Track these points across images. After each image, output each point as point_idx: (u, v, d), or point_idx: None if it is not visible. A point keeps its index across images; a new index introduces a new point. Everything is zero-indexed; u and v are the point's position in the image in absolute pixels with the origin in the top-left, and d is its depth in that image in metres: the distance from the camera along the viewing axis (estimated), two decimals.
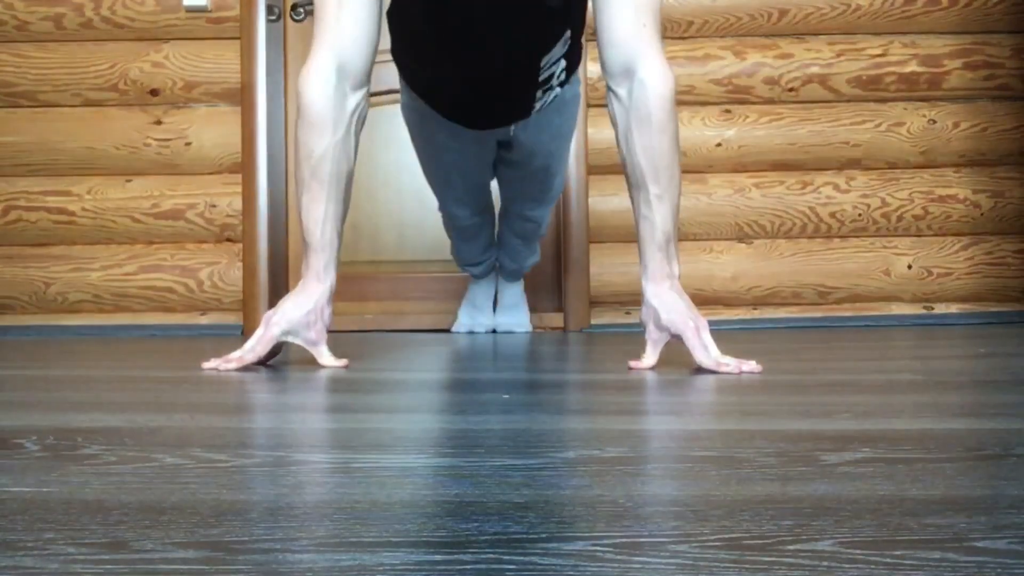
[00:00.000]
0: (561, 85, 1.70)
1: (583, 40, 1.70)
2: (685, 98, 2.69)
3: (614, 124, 1.39)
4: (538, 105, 1.70)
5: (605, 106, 1.43)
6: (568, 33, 1.56)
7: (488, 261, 2.34)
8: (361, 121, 1.42)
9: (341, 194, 1.39)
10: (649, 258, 1.34)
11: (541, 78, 1.63)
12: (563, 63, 1.64)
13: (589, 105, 2.66)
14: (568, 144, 1.94)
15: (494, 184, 2.09)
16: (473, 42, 1.52)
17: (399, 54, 1.67)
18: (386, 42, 1.60)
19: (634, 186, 1.36)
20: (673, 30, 2.70)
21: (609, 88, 1.38)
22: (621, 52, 1.34)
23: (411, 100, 1.78)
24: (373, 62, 1.41)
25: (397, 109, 1.99)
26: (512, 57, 1.56)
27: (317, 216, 1.37)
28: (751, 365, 1.26)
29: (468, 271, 2.39)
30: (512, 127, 1.76)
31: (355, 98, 1.39)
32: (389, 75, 2.16)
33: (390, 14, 1.52)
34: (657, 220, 1.33)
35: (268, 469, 0.61)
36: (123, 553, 0.42)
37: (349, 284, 2.73)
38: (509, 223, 2.16)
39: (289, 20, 2.82)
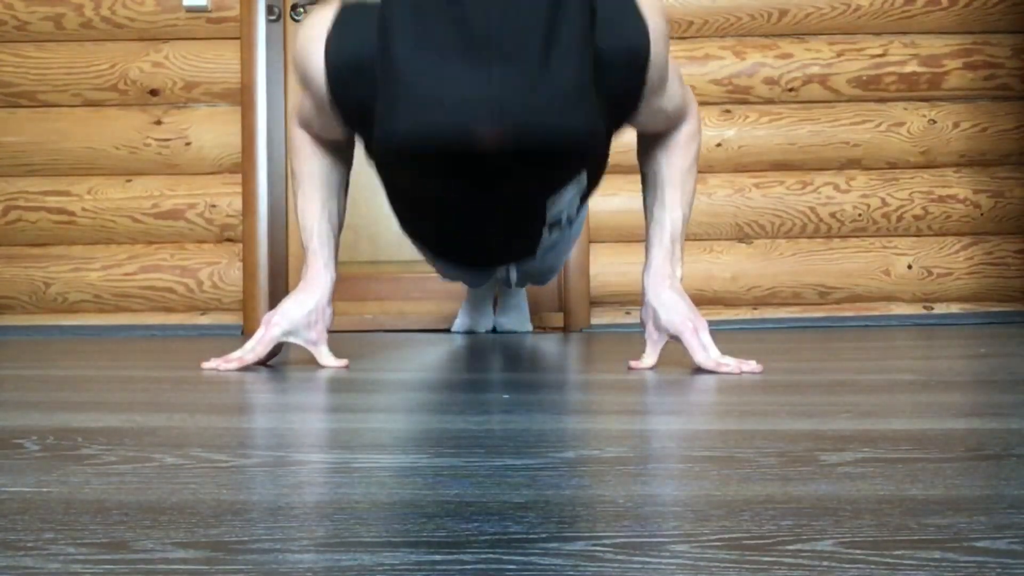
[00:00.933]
0: (570, 223, 1.61)
1: (600, 172, 1.54)
2: None
3: (640, 137, 1.41)
4: (544, 244, 1.61)
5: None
6: (584, 174, 1.44)
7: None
8: (351, 153, 1.45)
9: (339, 194, 1.41)
10: (653, 257, 1.35)
11: (550, 220, 1.51)
12: (577, 201, 1.54)
13: None
14: (573, 248, 1.93)
15: None
16: (475, 190, 1.22)
17: (387, 191, 1.51)
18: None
19: (650, 190, 1.39)
20: (673, 30, 2.70)
21: None
22: (662, 129, 1.36)
23: (406, 230, 1.66)
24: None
25: None
26: (515, 200, 1.37)
27: (316, 216, 1.38)
28: (751, 365, 1.26)
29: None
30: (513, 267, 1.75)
31: (342, 140, 1.41)
32: None
33: (378, 167, 1.38)
34: (667, 223, 1.35)
35: (268, 469, 0.61)
36: (123, 553, 0.42)
37: (349, 284, 2.73)
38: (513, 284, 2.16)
39: (289, 20, 2.82)
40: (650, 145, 1.39)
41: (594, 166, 1.45)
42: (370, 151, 1.25)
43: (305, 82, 1.25)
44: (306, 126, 1.39)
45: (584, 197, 1.56)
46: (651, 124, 1.34)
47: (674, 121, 1.35)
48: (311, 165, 1.40)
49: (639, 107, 1.23)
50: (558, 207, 1.46)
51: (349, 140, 1.41)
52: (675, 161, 1.37)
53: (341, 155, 1.44)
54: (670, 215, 1.36)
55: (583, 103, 1.04)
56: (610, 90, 1.14)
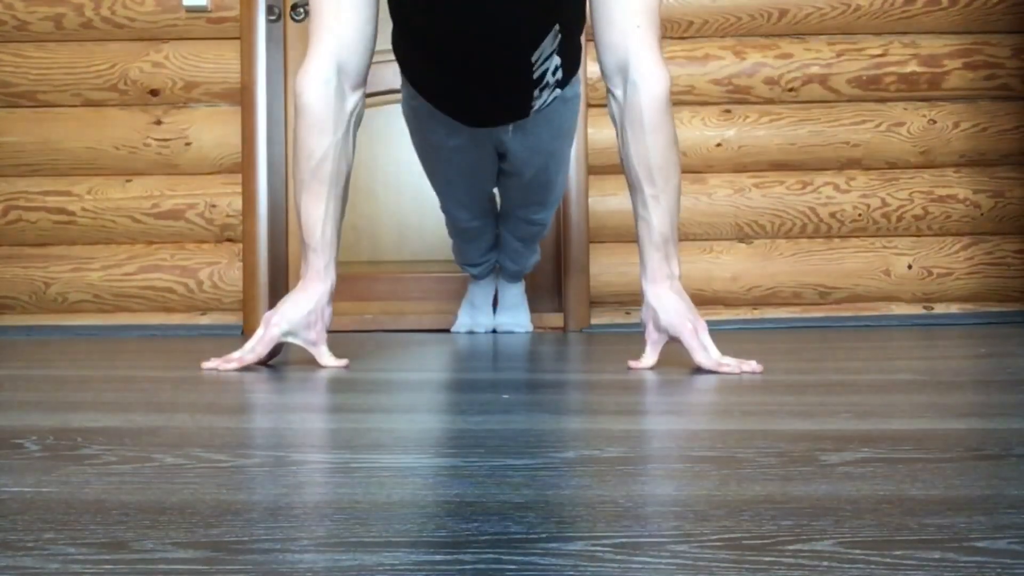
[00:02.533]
0: (560, 86, 1.67)
1: (581, 41, 1.67)
2: (685, 98, 2.69)
3: (613, 124, 1.40)
4: (536, 104, 1.67)
5: (606, 106, 1.43)
6: (557, 27, 1.51)
7: (489, 263, 2.34)
8: (358, 121, 1.44)
9: (340, 194, 1.40)
10: (647, 258, 1.34)
11: (535, 75, 1.59)
12: (556, 60, 1.59)
13: (589, 105, 2.66)
14: (568, 146, 1.92)
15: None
16: (462, 27, 1.46)
17: (397, 44, 1.64)
18: (386, 39, 1.60)
19: (632, 187, 1.37)
20: (673, 30, 2.70)
21: (608, 90, 1.39)
22: (615, 54, 1.34)
23: (410, 97, 1.77)
24: (371, 62, 1.41)
25: (397, 109, 1.99)
26: (500, 46, 1.51)
27: (317, 216, 1.37)
28: (751, 365, 1.26)
29: (468, 271, 2.39)
30: (509, 130, 1.75)
31: (353, 98, 1.40)
32: (389, 75, 2.16)
33: (390, 4, 1.51)
34: (654, 221, 1.33)
35: (268, 469, 0.61)
36: (123, 553, 0.42)
37: (349, 284, 2.73)
38: (510, 226, 2.16)
39: (289, 20, 2.82)
40: (620, 128, 1.37)
41: (567, 16, 1.50)
42: None
43: None
44: (322, 44, 1.35)
45: (566, 65, 1.62)
46: (610, 8, 1.33)
47: (632, 39, 1.32)
48: (319, 146, 1.36)
49: None
50: (541, 64, 1.56)
51: (366, 56, 1.40)
52: (646, 149, 1.33)
53: (351, 116, 1.40)
54: (653, 211, 1.33)
55: None
56: None
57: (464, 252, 2.28)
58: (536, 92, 1.64)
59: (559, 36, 1.54)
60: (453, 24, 1.47)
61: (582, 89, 1.94)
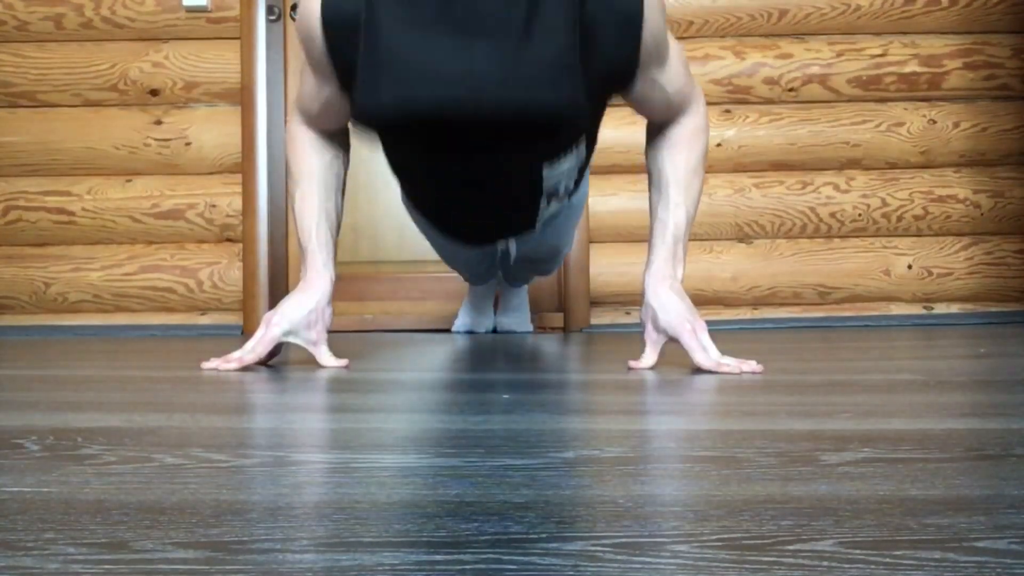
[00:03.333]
0: (569, 196, 1.57)
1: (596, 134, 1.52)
2: None
3: (648, 134, 1.43)
4: (543, 216, 1.58)
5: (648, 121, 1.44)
6: (584, 140, 1.39)
7: (492, 278, 2.34)
8: (348, 148, 1.47)
9: (335, 194, 1.42)
10: (655, 256, 1.35)
11: (546, 185, 1.44)
12: (575, 173, 1.49)
13: None
14: (575, 228, 1.92)
15: None
16: (472, 155, 1.30)
17: (392, 166, 1.50)
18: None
19: (655, 189, 1.39)
20: (673, 30, 2.70)
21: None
22: (666, 116, 1.38)
23: (408, 200, 1.69)
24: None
25: None
26: (513, 166, 1.37)
27: (313, 216, 1.38)
28: (751, 365, 1.26)
29: (470, 283, 2.39)
30: (513, 240, 1.75)
31: (340, 135, 1.45)
32: None
33: (383, 143, 1.40)
34: (671, 223, 1.36)
35: (268, 469, 0.61)
36: (123, 553, 0.42)
37: (349, 284, 2.73)
38: (517, 269, 2.13)
39: (289, 20, 2.82)
40: (656, 140, 1.40)
41: (589, 136, 1.45)
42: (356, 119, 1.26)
43: (306, 43, 1.26)
44: (305, 112, 1.39)
45: (581, 169, 1.54)
46: (652, 103, 1.33)
47: (677, 108, 1.35)
48: (309, 163, 1.41)
49: (636, 75, 1.26)
50: (556, 177, 1.44)
51: (346, 130, 1.43)
52: (680, 159, 1.37)
53: (339, 151, 1.44)
54: (673, 215, 1.36)
55: (564, 76, 1.07)
56: (603, 56, 1.18)
57: (465, 275, 2.26)
58: (544, 203, 1.52)
59: (584, 144, 1.42)
60: (459, 172, 1.37)
61: (587, 189, 1.87)
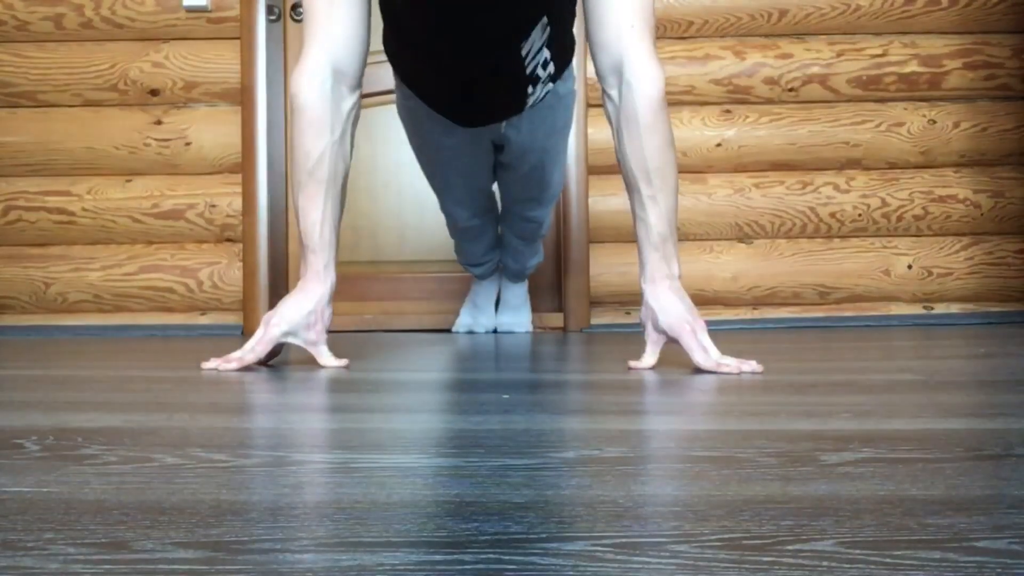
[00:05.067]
0: (552, 80, 1.66)
1: (574, 34, 1.67)
2: (685, 98, 2.69)
3: (610, 124, 1.40)
4: (530, 100, 1.67)
5: (603, 106, 1.43)
6: (545, 19, 1.50)
7: (491, 262, 2.34)
8: (355, 121, 1.44)
9: (338, 194, 1.40)
10: (646, 258, 1.34)
11: (527, 70, 1.59)
12: (546, 53, 1.58)
13: (589, 105, 2.66)
14: (564, 141, 1.92)
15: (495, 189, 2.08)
16: (451, 24, 1.47)
17: (389, 44, 1.64)
18: (379, 39, 1.60)
19: (629, 187, 1.37)
20: (673, 30, 2.70)
21: (603, 90, 1.39)
22: (609, 54, 1.34)
23: (405, 98, 1.76)
24: (366, 62, 1.41)
25: (395, 109, 1.99)
26: (489, 39, 1.50)
27: (315, 217, 1.38)
28: (751, 365, 1.26)
29: (471, 271, 2.39)
30: (504, 124, 1.75)
31: (351, 99, 1.40)
32: (387, 75, 2.16)
33: (380, 4, 1.52)
34: (651, 221, 1.33)
35: (268, 469, 0.61)
36: (123, 553, 0.42)
37: (349, 284, 2.73)
38: (510, 224, 2.16)
39: (289, 20, 2.82)
40: (616, 129, 1.37)
41: (554, 7, 1.50)
42: None
43: None
44: (318, 37, 1.36)
45: (557, 58, 1.62)
46: (604, 8, 1.33)
47: (629, 42, 1.32)
48: (316, 147, 1.36)
49: None
50: (532, 57, 1.56)
51: (360, 53, 1.40)
52: (642, 149, 1.33)
53: (347, 116, 1.40)
54: (651, 211, 1.33)
55: None
56: None
57: (466, 252, 2.28)
58: (530, 88, 1.64)
59: (548, 28, 1.53)
60: (439, 17, 1.46)
61: (576, 86, 1.94)
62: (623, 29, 1.32)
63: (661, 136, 1.34)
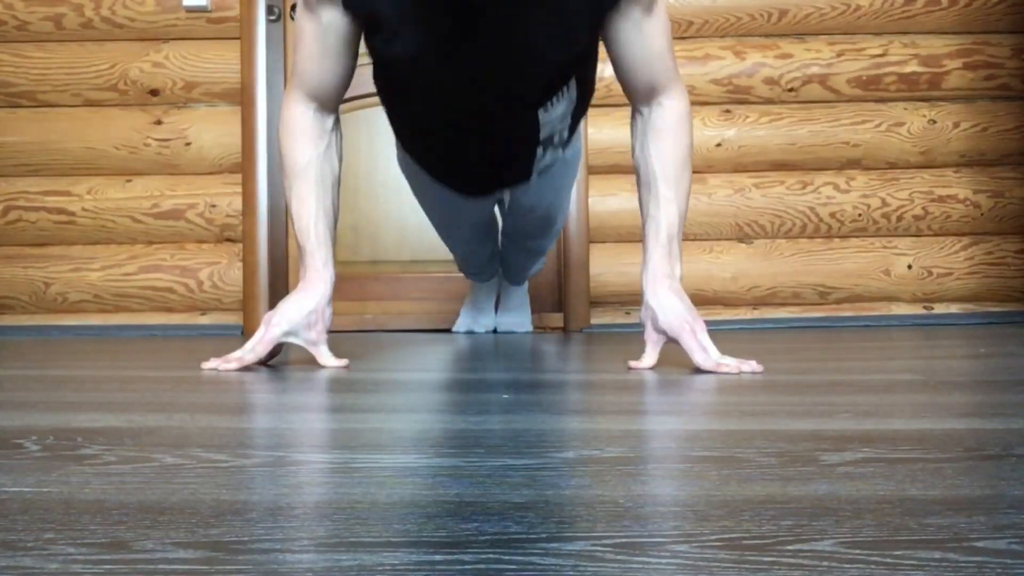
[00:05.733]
0: (563, 145, 1.64)
1: (593, 80, 1.59)
2: None
3: (633, 133, 1.43)
4: (538, 167, 1.64)
5: (604, 105, 1.44)
6: (574, 79, 1.47)
7: (491, 270, 2.34)
8: (340, 135, 1.46)
9: (329, 193, 1.41)
10: (650, 255, 1.35)
11: (542, 136, 1.55)
12: (568, 119, 1.56)
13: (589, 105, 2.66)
14: (570, 192, 1.92)
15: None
16: (470, 92, 1.42)
17: (390, 113, 1.58)
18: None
19: (644, 187, 1.38)
20: (673, 30, 2.70)
21: (634, 108, 1.42)
22: (640, 87, 1.37)
23: (404, 155, 1.74)
24: (347, 89, 1.44)
25: None
26: (508, 111, 1.46)
27: (308, 217, 1.38)
28: (751, 365, 1.26)
29: (471, 279, 2.39)
30: (508, 192, 1.75)
31: (332, 117, 1.44)
32: None
33: (375, 77, 1.49)
34: (663, 220, 1.34)
35: (268, 469, 0.61)
36: (123, 553, 0.42)
37: (349, 284, 2.73)
38: (512, 249, 2.16)
39: (289, 20, 2.82)
40: (641, 131, 1.39)
41: (580, 79, 1.48)
42: (375, 54, 1.38)
43: None
44: (303, 77, 1.38)
45: (575, 117, 1.59)
46: (632, 56, 1.34)
47: (657, 82, 1.35)
48: (304, 155, 1.39)
49: (619, 4, 1.29)
50: (551, 123, 1.52)
51: (341, 96, 1.42)
52: (667, 152, 1.36)
53: (333, 135, 1.43)
54: (665, 212, 1.35)
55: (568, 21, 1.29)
56: None
57: (465, 265, 2.28)
58: (539, 151, 1.60)
59: (575, 89, 1.50)
60: (456, 88, 1.41)
61: (582, 146, 1.93)
62: (655, 65, 1.35)
63: (685, 146, 1.38)
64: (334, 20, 1.33)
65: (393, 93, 1.52)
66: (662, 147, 1.36)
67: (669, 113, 1.37)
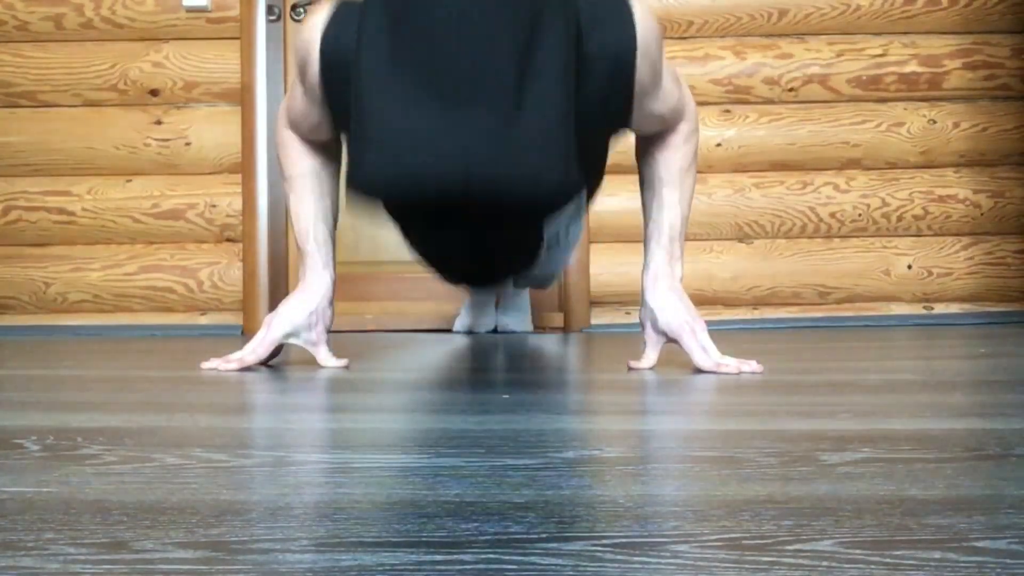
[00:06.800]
0: (568, 231, 1.63)
1: (598, 183, 1.55)
2: None
3: (637, 137, 1.41)
4: (544, 256, 1.55)
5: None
6: (583, 196, 1.44)
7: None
8: (339, 150, 1.44)
9: (328, 194, 1.42)
10: (651, 257, 1.35)
11: (547, 237, 1.47)
12: (575, 214, 1.53)
13: None
14: (575, 248, 1.92)
15: None
16: (473, 223, 1.23)
17: (392, 222, 1.44)
18: None
19: (648, 188, 1.38)
20: (673, 30, 2.70)
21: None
22: (659, 128, 1.35)
23: (407, 245, 1.62)
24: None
25: None
26: (514, 228, 1.34)
27: (307, 217, 1.39)
28: (751, 365, 1.26)
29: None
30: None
31: (330, 143, 1.42)
32: None
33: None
34: (665, 222, 1.34)
35: (268, 469, 0.61)
36: (123, 553, 0.42)
37: (349, 284, 2.73)
38: (515, 286, 2.16)
39: (289, 20, 2.82)
40: (648, 144, 1.39)
41: (589, 188, 1.45)
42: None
43: (301, 68, 1.25)
44: (294, 127, 1.38)
45: (581, 207, 1.57)
46: (646, 126, 1.33)
47: (671, 122, 1.35)
48: (301, 165, 1.40)
49: (631, 111, 1.23)
50: (556, 226, 1.49)
51: (336, 140, 1.41)
52: (672, 160, 1.36)
53: (330, 153, 1.42)
54: (668, 214, 1.34)
55: (558, 149, 1.01)
56: (599, 99, 1.15)
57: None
58: (545, 248, 1.50)
59: (581, 199, 1.46)
60: (460, 238, 1.33)
61: (584, 214, 1.82)
62: (669, 111, 1.32)
63: (691, 150, 1.37)
64: (316, 107, 1.28)
65: (400, 224, 1.40)
66: (669, 156, 1.36)
67: (680, 131, 1.35)
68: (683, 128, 1.36)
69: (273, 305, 2.46)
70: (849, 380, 1.17)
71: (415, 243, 1.49)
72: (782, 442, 0.70)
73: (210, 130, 2.70)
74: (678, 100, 1.33)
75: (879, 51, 2.72)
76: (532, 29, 1.00)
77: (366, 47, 1.04)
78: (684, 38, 2.70)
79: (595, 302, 2.70)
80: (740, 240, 2.72)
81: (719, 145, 2.71)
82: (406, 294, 2.80)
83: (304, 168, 1.40)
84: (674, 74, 1.33)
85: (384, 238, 2.82)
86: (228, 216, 2.70)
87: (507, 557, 0.41)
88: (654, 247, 1.35)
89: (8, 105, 2.70)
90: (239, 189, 2.69)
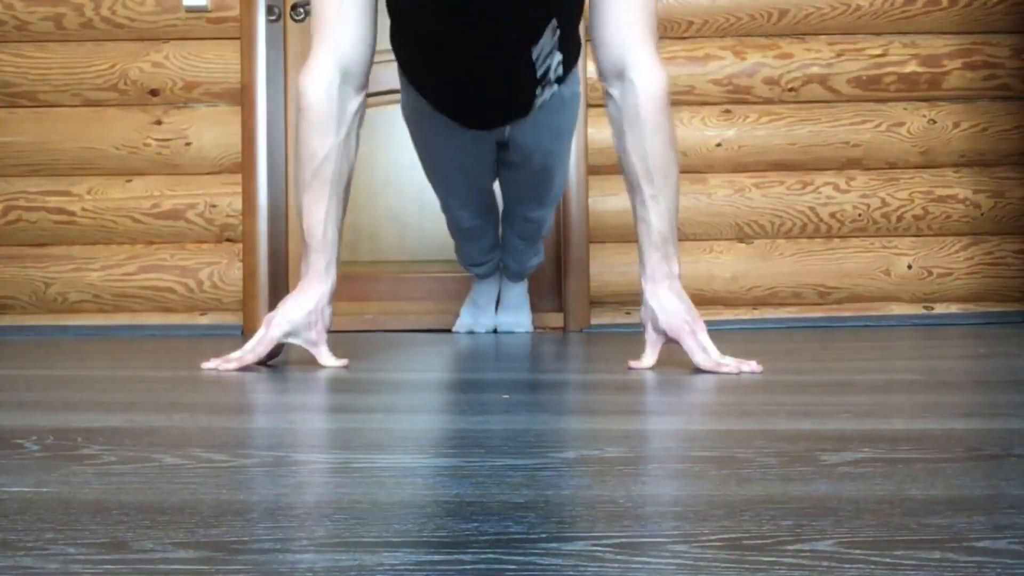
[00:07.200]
0: (559, 81, 1.67)
1: (580, 34, 1.67)
2: (685, 98, 2.69)
3: (611, 125, 1.40)
4: (537, 102, 1.68)
5: (605, 106, 1.42)
6: (554, 21, 1.50)
7: (491, 262, 2.34)
8: (361, 121, 1.44)
9: (342, 194, 1.40)
10: (647, 258, 1.34)
11: (539, 72, 1.59)
12: (558, 56, 1.59)
13: (589, 105, 2.66)
14: (568, 144, 1.93)
15: (497, 187, 2.09)
16: (462, 28, 1.48)
17: (396, 45, 1.64)
18: (386, 38, 1.60)
19: (630, 187, 1.37)
20: (673, 30, 2.70)
21: (605, 91, 1.38)
22: (611, 52, 1.35)
23: (409, 99, 1.77)
24: (372, 62, 1.41)
25: (397, 110, 1.99)
26: (499, 41, 1.51)
27: (319, 216, 1.37)
28: (751, 365, 1.26)
29: (472, 271, 2.39)
30: (509, 127, 1.75)
31: (356, 100, 1.40)
32: (389, 75, 2.16)
33: (391, 33, 1.54)
34: (653, 220, 1.33)
35: (268, 469, 0.61)
36: (123, 553, 0.42)
37: (349, 284, 2.72)
38: (511, 224, 2.17)
39: (289, 20, 2.82)
40: (617, 123, 1.36)
41: (563, 9, 1.50)
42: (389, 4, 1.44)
43: None
44: (325, 38, 1.36)
45: (566, 60, 1.63)
46: (607, 17, 1.33)
47: (631, 44, 1.32)
48: (322, 146, 1.36)
49: None
50: (543, 60, 1.56)
51: (367, 54, 1.40)
52: (646, 147, 1.32)
53: (354, 116, 1.40)
54: (653, 212, 1.33)
55: None
56: None
57: (466, 252, 2.28)
58: (538, 90, 1.64)
59: (558, 31, 1.53)
60: (449, 19, 1.46)
61: (581, 89, 1.94)
62: (626, 27, 1.33)
63: (664, 136, 1.34)
64: None
65: (405, 41, 1.59)
66: (639, 142, 1.33)
67: (642, 98, 1.31)
68: (645, 87, 1.32)
69: (273, 305, 2.47)
70: (849, 380, 1.17)
71: (421, 71, 1.66)
72: (782, 442, 0.70)
73: (210, 130, 2.70)
74: (646, 21, 1.34)
75: (879, 51, 2.72)
76: None
77: None
78: (684, 38, 2.70)
79: (595, 302, 2.70)
80: (740, 240, 2.72)
81: (719, 145, 2.71)
82: (406, 294, 2.80)
83: (326, 151, 1.36)
84: (652, 16, 1.35)
85: (384, 238, 2.82)
86: (228, 216, 2.70)
87: (507, 557, 0.41)
88: (647, 248, 1.34)
89: (8, 105, 2.70)
90: (239, 189, 2.69)
